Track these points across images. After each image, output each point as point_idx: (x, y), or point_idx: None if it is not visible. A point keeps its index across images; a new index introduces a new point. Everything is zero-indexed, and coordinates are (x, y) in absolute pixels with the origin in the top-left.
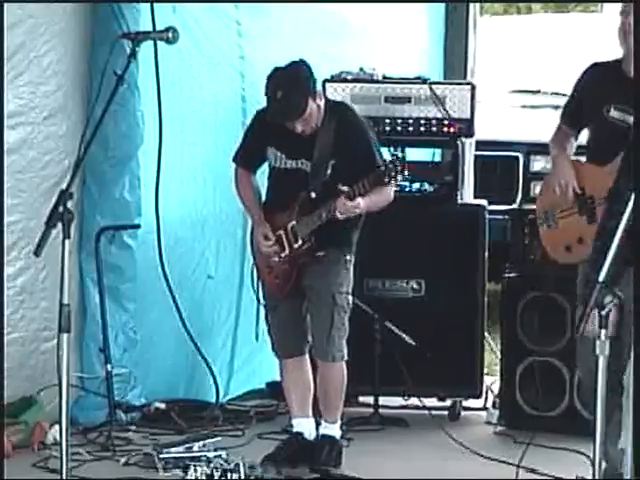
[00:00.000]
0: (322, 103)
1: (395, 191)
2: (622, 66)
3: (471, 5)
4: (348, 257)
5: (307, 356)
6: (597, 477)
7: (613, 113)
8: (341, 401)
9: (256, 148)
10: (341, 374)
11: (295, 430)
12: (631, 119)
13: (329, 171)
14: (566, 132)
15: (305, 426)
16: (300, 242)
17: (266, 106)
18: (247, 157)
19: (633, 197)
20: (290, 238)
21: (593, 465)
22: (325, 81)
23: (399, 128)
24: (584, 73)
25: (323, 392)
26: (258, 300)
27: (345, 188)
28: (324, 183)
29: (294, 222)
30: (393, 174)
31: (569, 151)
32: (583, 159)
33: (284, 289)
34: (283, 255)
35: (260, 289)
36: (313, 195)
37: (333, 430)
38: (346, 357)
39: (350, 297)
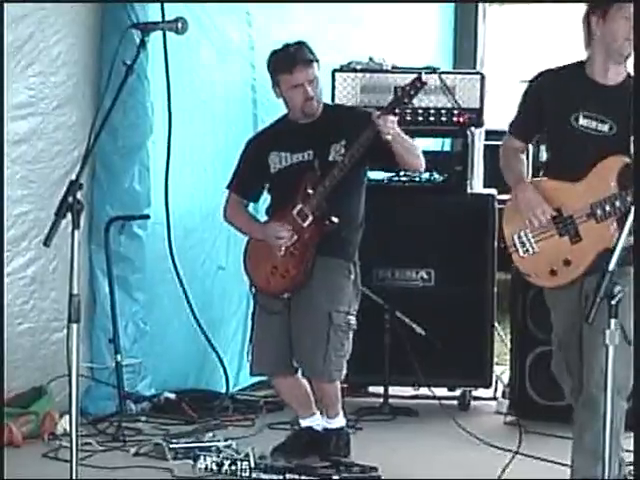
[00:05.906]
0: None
1: (404, 181)
2: (586, 70)
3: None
4: (352, 274)
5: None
6: (603, 474)
7: (582, 121)
8: (340, 398)
9: (254, 169)
10: (336, 385)
11: (303, 425)
12: (603, 126)
13: (340, 153)
14: (517, 147)
15: (312, 422)
16: (310, 218)
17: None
18: (243, 182)
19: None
20: (298, 222)
21: (603, 460)
22: (334, 71)
23: (409, 118)
24: (537, 80)
25: (320, 400)
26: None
27: (378, 113)
28: (329, 163)
29: (300, 205)
30: (412, 92)
31: (524, 170)
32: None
33: (296, 277)
34: (291, 242)
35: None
36: (319, 173)
37: (337, 423)
38: (343, 376)
39: (351, 317)
